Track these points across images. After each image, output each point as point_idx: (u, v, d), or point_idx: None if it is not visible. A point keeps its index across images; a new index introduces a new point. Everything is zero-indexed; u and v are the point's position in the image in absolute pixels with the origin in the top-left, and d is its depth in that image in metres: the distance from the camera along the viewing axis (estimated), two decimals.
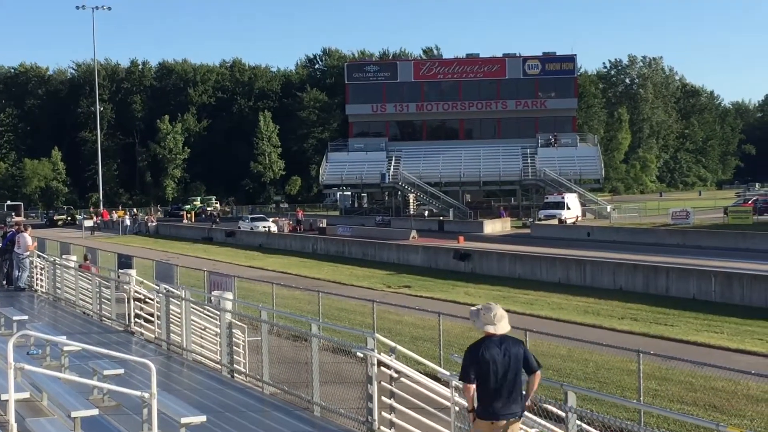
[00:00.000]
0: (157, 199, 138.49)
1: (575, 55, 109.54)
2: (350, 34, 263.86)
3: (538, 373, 9.14)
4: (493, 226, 76.21)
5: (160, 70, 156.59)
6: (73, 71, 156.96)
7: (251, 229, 76.66)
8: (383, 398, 12.37)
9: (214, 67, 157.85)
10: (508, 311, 30.57)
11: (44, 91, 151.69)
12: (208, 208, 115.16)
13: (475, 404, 9.04)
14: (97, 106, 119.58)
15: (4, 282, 28.60)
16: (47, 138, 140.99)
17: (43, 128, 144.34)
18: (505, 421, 8.89)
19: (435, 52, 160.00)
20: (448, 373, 12.22)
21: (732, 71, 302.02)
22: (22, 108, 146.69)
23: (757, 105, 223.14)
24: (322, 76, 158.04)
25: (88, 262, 29.82)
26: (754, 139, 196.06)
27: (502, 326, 9.12)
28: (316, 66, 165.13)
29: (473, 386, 8.93)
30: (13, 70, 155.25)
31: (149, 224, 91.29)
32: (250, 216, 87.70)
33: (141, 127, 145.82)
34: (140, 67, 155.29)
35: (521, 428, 9.85)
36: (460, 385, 9.70)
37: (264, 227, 77.02)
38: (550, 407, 10.85)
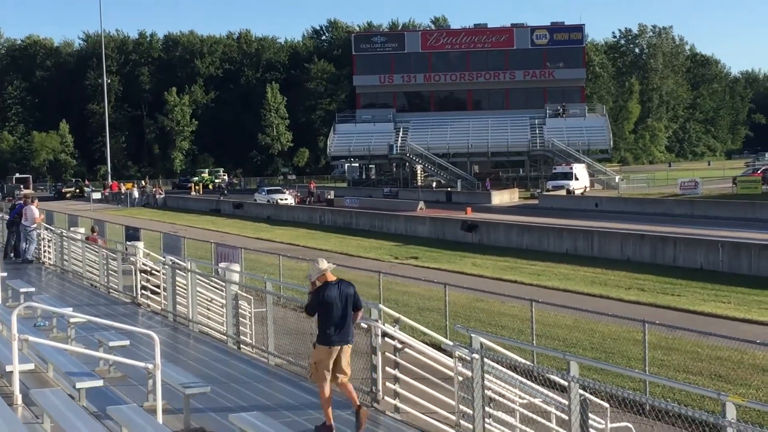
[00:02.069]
0: (165, 172, 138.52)
1: (583, 25, 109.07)
2: (357, 4, 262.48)
3: (361, 311, 11.39)
4: (501, 197, 76.19)
5: (166, 42, 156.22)
6: (81, 42, 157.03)
7: (268, 201, 76.36)
8: (387, 368, 12.40)
9: (221, 39, 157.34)
10: (515, 282, 30.53)
11: (52, 64, 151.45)
12: (218, 180, 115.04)
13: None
14: (105, 78, 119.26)
15: (12, 254, 28.67)
16: (55, 110, 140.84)
17: (50, 101, 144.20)
18: (339, 347, 10.91)
19: (443, 23, 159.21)
20: (451, 343, 12.24)
21: (742, 41, 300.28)
22: (29, 81, 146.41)
23: (766, 74, 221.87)
24: (329, 48, 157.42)
25: (95, 234, 29.87)
26: (764, 108, 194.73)
27: (331, 273, 11.25)
28: (323, 37, 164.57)
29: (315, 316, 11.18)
30: (21, 42, 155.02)
31: (157, 196, 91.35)
32: (266, 188, 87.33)
33: (149, 99, 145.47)
34: (148, 38, 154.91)
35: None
36: (463, 354, 9.93)
37: (282, 200, 76.88)
38: (553, 377, 10.87)
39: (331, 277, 11.20)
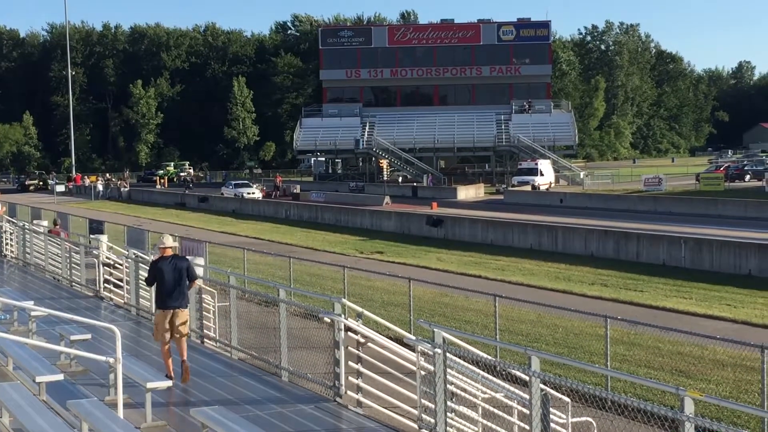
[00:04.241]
0: (130, 165, 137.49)
1: (550, 21, 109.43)
2: None
3: (196, 281, 13.86)
4: (466, 192, 76.38)
5: (132, 35, 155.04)
6: (46, 34, 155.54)
7: (235, 195, 75.99)
8: (350, 363, 12.39)
9: (188, 32, 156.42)
10: (479, 277, 30.44)
11: (17, 55, 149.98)
12: (184, 173, 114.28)
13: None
14: (69, 70, 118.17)
15: None
16: (19, 102, 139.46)
17: (14, 92, 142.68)
18: (172, 310, 13.08)
19: (412, 17, 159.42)
20: (414, 338, 12.26)
21: (706, 40, 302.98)
22: None
23: (730, 72, 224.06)
24: (296, 42, 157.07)
25: (57, 227, 29.60)
26: (727, 106, 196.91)
27: (171, 249, 13.42)
28: (289, 31, 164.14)
29: (153, 286, 13.66)
30: None
31: (122, 189, 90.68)
32: (234, 182, 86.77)
33: (114, 91, 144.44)
34: (113, 30, 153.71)
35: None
36: (426, 349, 10.02)
37: (249, 194, 76.51)
38: (515, 372, 10.92)
39: (168, 253, 13.35)
